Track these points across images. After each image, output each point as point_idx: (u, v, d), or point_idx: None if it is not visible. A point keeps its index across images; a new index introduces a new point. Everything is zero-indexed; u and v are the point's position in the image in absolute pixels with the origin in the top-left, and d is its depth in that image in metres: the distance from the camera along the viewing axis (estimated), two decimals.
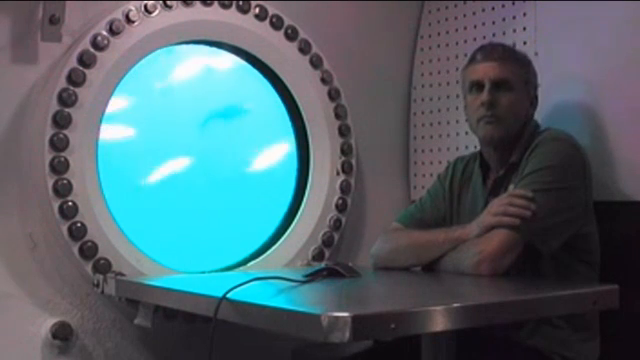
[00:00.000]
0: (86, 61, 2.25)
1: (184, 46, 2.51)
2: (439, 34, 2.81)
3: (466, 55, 2.62)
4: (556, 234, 2.00)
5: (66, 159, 2.22)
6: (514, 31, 2.54)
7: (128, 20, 2.32)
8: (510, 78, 2.15)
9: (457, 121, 2.71)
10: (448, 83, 2.76)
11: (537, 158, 2.07)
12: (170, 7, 2.39)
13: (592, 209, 2.11)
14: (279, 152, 2.72)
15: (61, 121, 2.21)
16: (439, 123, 2.80)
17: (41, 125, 2.21)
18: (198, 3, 2.44)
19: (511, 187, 2.10)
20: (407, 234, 2.26)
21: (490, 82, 2.16)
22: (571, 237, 2.04)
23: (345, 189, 2.68)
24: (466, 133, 2.59)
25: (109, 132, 2.37)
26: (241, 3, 2.52)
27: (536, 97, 2.22)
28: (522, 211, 1.95)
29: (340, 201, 2.66)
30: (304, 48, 2.62)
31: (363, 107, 2.77)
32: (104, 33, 2.28)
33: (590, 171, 2.10)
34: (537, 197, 1.97)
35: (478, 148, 2.32)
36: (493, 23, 2.63)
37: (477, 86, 2.18)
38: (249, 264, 2.56)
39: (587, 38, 2.35)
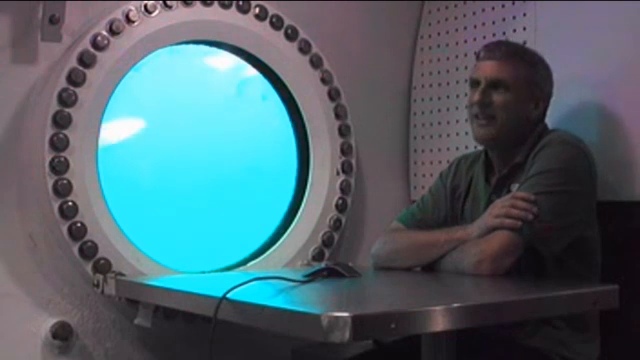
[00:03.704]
0: (86, 61, 2.25)
1: (184, 46, 2.51)
2: (439, 34, 2.81)
3: (466, 55, 2.64)
4: (558, 237, 2.00)
5: (66, 159, 2.22)
6: (514, 31, 2.54)
7: (128, 20, 2.32)
8: (507, 78, 2.13)
9: (457, 121, 2.71)
10: (448, 83, 2.76)
11: (542, 160, 2.06)
12: (170, 7, 2.39)
13: (595, 213, 2.10)
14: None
15: (61, 121, 2.21)
16: (439, 123, 2.80)
17: (41, 125, 2.21)
18: (198, 3, 2.44)
19: (515, 187, 2.10)
20: (407, 234, 2.26)
21: (486, 81, 2.15)
22: (573, 240, 2.03)
23: (345, 189, 2.68)
24: (466, 133, 2.59)
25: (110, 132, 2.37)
26: (241, 3, 2.52)
27: (543, 99, 2.17)
28: (524, 213, 1.95)
29: (340, 201, 2.66)
30: (304, 48, 2.62)
31: (363, 107, 2.77)
32: (104, 33, 2.28)
33: (596, 175, 2.09)
34: (539, 200, 1.97)
35: (480, 147, 2.31)
36: (493, 23, 2.63)
37: (476, 84, 2.18)
38: (249, 264, 2.56)
39: (587, 38, 2.35)
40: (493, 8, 2.63)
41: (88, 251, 2.25)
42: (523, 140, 2.15)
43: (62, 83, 2.22)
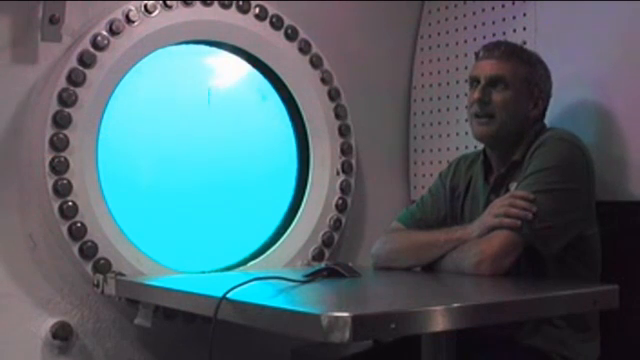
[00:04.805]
0: (86, 61, 2.25)
1: (184, 46, 2.51)
2: (439, 34, 2.81)
3: (466, 55, 2.64)
4: (557, 236, 2.00)
5: (66, 159, 2.22)
6: (514, 31, 2.54)
7: (128, 20, 2.32)
8: (506, 76, 2.14)
9: (457, 121, 2.71)
10: (448, 83, 2.77)
11: (539, 158, 2.06)
12: (170, 7, 2.39)
13: (594, 211, 2.11)
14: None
15: (61, 121, 2.21)
16: (439, 123, 2.80)
17: (41, 125, 2.21)
18: (198, 3, 2.44)
19: (513, 186, 2.10)
20: (407, 234, 2.26)
21: (485, 79, 2.15)
22: (572, 238, 2.03)
23: (345, 189, 2.68)
24: (466, 133, 2.59)
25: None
26: (241, 3, 2.52)
27: (542, 99, 2.18)
28: (523, 212, 1.95)
29: (340, 201, 2.66)
30: (304, 48, 2.62)
31: (363, 107, 2.77)
32: (104, 33, 2.28)
33: (593, 172, 2.09)
34: (538, 198, 1.97)
35: (480, 147, 2.31)
36: (493, 23, 2.63)
37: (475, 82, 2.18)
38: (249, 264, 2.56)
39: (587, 38, 2.35)
40: (493, 8, 2.63)
41: (88, 251, 2.25)
42: (521, 139, 2.15)
43: (62, 83, 2.22)
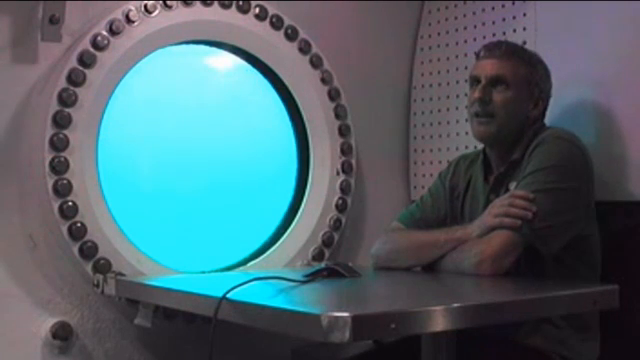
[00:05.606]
0: (86, 61, 2.25)
1: (184, 46, 2.51)
2: (439, 34, 2.81)
3: (466, 55, 2.64)
4: (557, 235, 2.00)
5: (66, 159, 2.22)
6: (514, 31, 2.54)
7: (128, 20, 2.32)
8: (507, 75, 2.14)
9: (457, 121, 2.71)
10: (448, 83, 2.77)
11: (538, 157, 2.06)
12: (170, 7, 2.39)
13: (594, 210, 2.11)
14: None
15: (61, 121, 2.21)
16: (439, 123, 2.80)
17: (41, 125, 2.21)
18: (198, 3, 2.44)
19: (512, 185, 2.10)
20: (407, 234, 2.26)
21: (486, 79, 2.15)
22: (572, 238, 2.03)
23: (345, 189, 2.68)
24: (466, 133, 2.59)
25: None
26: (241, 3, 2.52)
27: (542, 99, 2.19)
28: (523, 212, 1.95)
29: (340, 201, 2.66)
30: (304, 48, 2.62)
31: (363, 107, 2.77)
32: (104, 33, 2.28)
33: (592, 171, 2.09)
34: (538, 197, 1.97)
35: (480, 147, 2.32)
36: (493, 23, 2.63)
37: (476, 82, 2.18)
38: (249, 264, 2.56)
39: (587, 38, 2.35)
40: (493, 8, 2.63)
41: (88, 251, 2.25)
42: (521, 138, 2.16)
43: (62, 83, 2.22)
